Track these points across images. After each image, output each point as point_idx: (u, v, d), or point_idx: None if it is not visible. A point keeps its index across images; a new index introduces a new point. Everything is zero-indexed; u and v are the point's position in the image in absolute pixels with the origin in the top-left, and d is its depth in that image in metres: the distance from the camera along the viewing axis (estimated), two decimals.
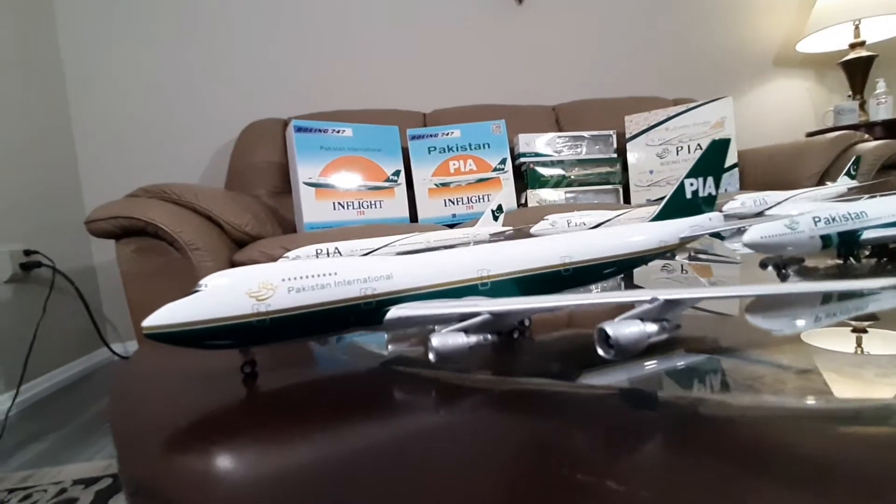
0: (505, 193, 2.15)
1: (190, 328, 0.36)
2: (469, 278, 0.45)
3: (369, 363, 0.44)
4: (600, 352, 0.32)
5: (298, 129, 1.98)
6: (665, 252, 0.58)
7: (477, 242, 1.12)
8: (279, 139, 2.26)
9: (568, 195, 2.21)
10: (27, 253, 1.95)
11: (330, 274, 0.40)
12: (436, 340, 0.36)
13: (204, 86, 2.46)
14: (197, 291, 0.37)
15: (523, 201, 2.20)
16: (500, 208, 1.19)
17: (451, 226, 1.97)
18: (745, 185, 2.07)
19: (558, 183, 2.20)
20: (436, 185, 2.14)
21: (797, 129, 2.78)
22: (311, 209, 1.96)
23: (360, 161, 2.08)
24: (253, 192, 2.16)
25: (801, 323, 0.59)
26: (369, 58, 2.58)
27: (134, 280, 1.61)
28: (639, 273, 0.97)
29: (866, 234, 0.67)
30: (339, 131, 2.05)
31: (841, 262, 0.76)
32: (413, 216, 2.12)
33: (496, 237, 1.15)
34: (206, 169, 2.50)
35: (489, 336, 0.38)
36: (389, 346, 0.51)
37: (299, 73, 2.53)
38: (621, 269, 0.55)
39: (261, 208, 1.99)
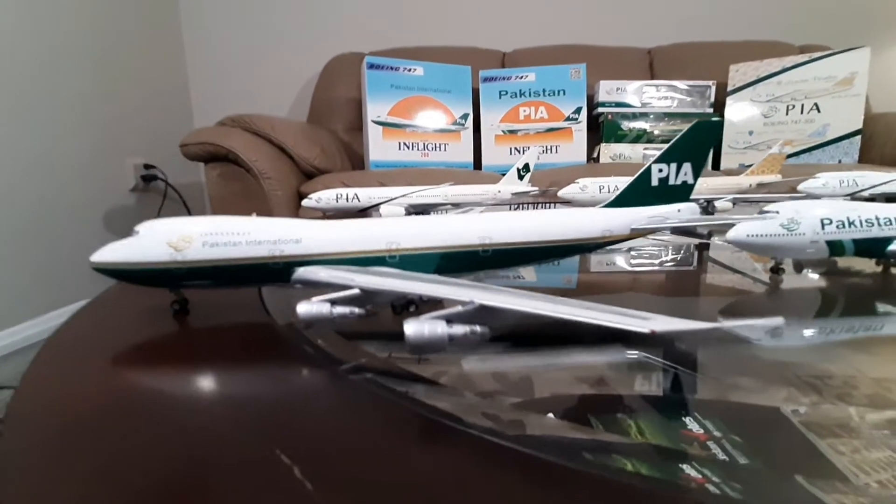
0: (575, 145, 2.03)
1: (122, 268, 0.44)
2: (376, 249, 0.47)
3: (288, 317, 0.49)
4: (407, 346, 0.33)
5: (371, 66, 2.01)
6: (612, 243, 0.54)
7: (497, 202, 1.11)
8: (359, 74, 2.31)
9: (647, 152, 2.02)
10: (146, 167, 2.28)
11: (243, 233, 0.45)
12: (301, 308, 0.40)
13: (298, 18, 2.55)
14: (131, 236, 0.44)
15: (595, 155, 2.06)
16: (526, 167, 1.15)
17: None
18: (869, 158, 1.73)
19: (638, 138, 2.02)
20: (503, 131, 2.08)
21: None
22: (377, 147, 2.02)
23: (429, 101, 2.07)
24: (330, 127, 2.27)
25: (783, 337, 0.55)
26: None
27: (218, 201, 1.83)
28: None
29: None
30: (410, 70, 2.05)
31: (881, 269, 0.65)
32: (477, 163, 2.10)
33: (519, 196, 1.12)
34: (295, 99, 2.65)
35: (356, 310, 0.40)
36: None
37: (384, 5, 2.51)
38: (553, 255, 0.53)
39: (333, 143, 2.10)
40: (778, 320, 0.31)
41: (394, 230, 0.48)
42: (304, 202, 1.01)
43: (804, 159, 1.76)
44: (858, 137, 1.73)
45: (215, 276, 0.44)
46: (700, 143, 0.54)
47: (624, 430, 0.34)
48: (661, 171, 0.54)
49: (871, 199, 1.10)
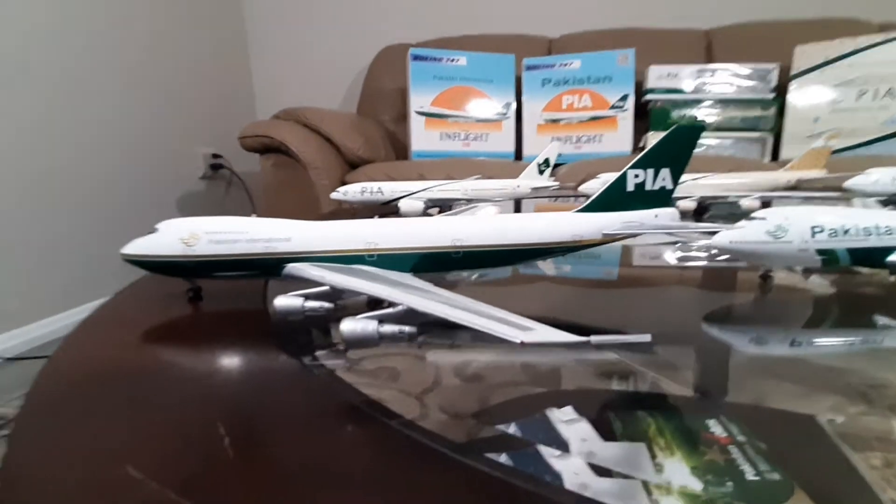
0: (619, 134, 1.98)
1: (145, 259, 0.52)
2: (357, 248, 0.52)
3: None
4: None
5: (415, 58, 2.06)
6: (583, 247, 0.55)
7: (516, 197, 1.13)
8: (405, 64, 2.36)
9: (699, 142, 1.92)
10: (214, 156, 2.49)
11: (242, 232, 0.52)
12: (277, 301, 0.46)
13: (350, 10, 2.64)
14: (153, 232, 0.53)
15: (642, 145, 1.99)
16: (546, 162, 1.15)
17: (556, 166, 1.91)
18: None
19: None
20: (545, 120, 2.06)
21: None
22: (420, 138, 2.08)
23: (471, 92, 2.09)
24: (378, 117, 2.35)
25: (767, 345, 0.54)
26: None
27: (270, 189, 1.98)
28: None
29: None
30: (453, 60, 2.07)
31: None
32: (518, 153, 2.10)
33: (539, 192, 1.13)
34: (347, 90, 2.76)
35: (325, 304, 0.46)
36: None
37: None
38: (522, 258, 0.55)
39: (378, 133, 2.18)
40: (645, 337, 0.32)
41: (372, 231, 0.54)
42: (332, 195, 1.09)
43: (875, 150, 1.60)
44: None
45: (219, 269, 0.52)
46: (680, 147, 0.54)
47: (643, 429, 0.34)
48: (637, 176, 0.55)
49: None
